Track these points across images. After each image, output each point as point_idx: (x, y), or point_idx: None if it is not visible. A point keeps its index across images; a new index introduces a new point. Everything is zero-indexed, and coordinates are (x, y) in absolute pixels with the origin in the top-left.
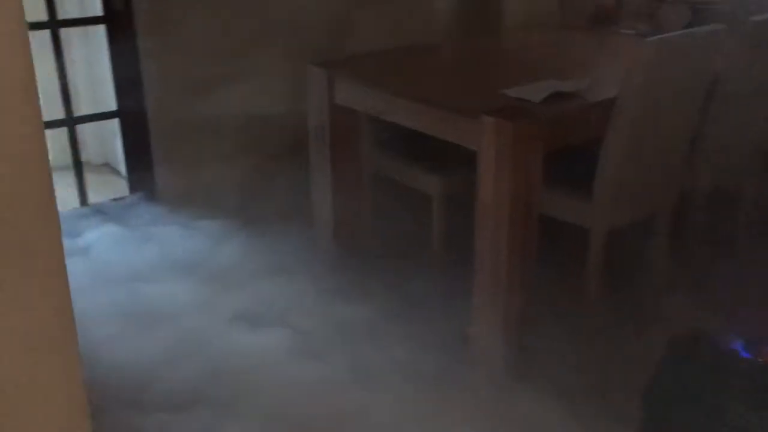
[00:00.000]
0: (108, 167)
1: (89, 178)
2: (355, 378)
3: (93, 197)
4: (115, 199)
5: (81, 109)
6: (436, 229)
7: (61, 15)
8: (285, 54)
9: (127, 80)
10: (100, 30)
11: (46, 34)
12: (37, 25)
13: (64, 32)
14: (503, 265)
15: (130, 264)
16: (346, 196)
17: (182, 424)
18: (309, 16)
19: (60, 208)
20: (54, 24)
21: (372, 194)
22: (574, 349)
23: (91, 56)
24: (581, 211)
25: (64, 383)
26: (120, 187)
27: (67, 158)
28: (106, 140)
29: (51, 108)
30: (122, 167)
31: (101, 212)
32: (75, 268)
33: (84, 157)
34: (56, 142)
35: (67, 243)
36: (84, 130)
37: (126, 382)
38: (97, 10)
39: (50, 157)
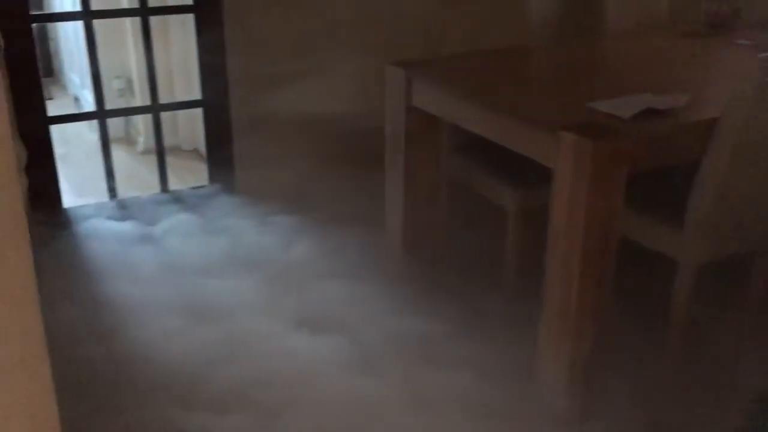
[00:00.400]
0: (196, 153)
1: (176, 162)
2: (411, 400)
3: (175, 183)
4: (194, 188)
5: (176, 95)
6: (510, 245)
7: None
8: (368, 52)
9: (212, 70)
10: None
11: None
12: (127, 12)
13: (162, 19)
14: (573, 298)
15: (199, 256)
16: (419, 203)
17: (225, 428)
18: (396, 13)
19: (141, 192)
20: (144, 11)
21: (446, 203)
22: (647, 396)
23: (188, 43)
24: (670, 241)
25: (35, 407)
26: (203, 174)
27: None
28: (197, 127)
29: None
30: None
31: (179, 200)
32: (145, 256)
33: (176, 141)
34: (149, 126)
35: (141, 229)
36: (178, 116)
37: (177, 378)
38: None
39: (142, 141)
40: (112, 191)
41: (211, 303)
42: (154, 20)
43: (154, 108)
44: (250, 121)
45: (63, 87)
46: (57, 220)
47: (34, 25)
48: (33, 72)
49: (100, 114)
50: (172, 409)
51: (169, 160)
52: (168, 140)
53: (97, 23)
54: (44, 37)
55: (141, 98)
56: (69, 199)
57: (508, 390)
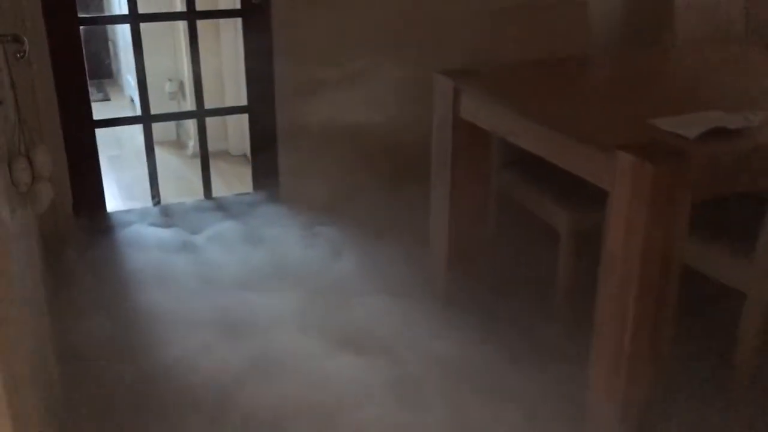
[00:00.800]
0: (245, 158)
1: (224, 167)
2: None
3: (222, 188)
4: (238, 194)
5: (226, 100)
6: (562, 268)
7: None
8: (416, 60)
9: (258, 76)
10: None
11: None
12: (175, 16)
13: (214, 23)
14: (628, 333)
15: (238, 267)
16: (465, 220)
17: None
18: (445, 20)
19: (186, 198)
20: (192, 15)
21: (495, 220)
22: None
23: (239, 47)
24: (738, 273)
25: None
26: (250, 180)
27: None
28: (246, 132)
29: (211, 99)
30: None
31: (223, 207)
32: (184, 266)
33: (224, 146)
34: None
35: (183, 237)
36: (227, 120)
37: (206, 397)
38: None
39: (192, 145)
40: (155, 197)
41: (248, 318)
42: (206, 24)
43: (200, 113)
44: (295, 128)
45: (121, 88)
46: (99, 225)
47: (81, 27)
48: (80, 75)
49: (145, 118)
50: (200, 428)
51: (218, 164)
52: (217, 145)
53: (152, 26)
54: (105, 38)
55: (192, 102)
56: (116, 202)
57: (558, 428)
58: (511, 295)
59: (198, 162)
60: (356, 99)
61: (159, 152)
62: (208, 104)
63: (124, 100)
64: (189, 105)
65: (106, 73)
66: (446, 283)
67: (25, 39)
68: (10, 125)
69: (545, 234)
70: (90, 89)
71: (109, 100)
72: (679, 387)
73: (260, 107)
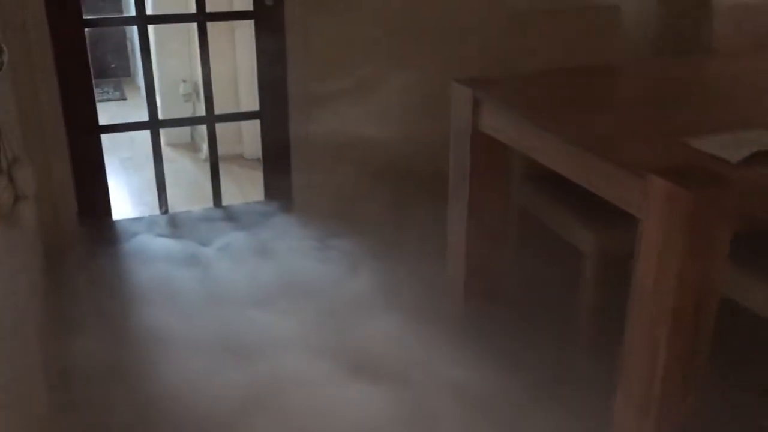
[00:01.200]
0: (259, 162)
1: (238, 171)
2: None
3: (234, 194)
4: (249, 203)
5: (241, 105)
6: (586, 292)
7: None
8: (437, 67)
9: (271, 80)
10: None
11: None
12: (184, 18)
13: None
14: (659, 372)
15: (247, 283)
16: (485, 236)
17: None
18: (466, 25)
19: (195, 205)
20: (201, 17)
21: (516, 237)
22: None
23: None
24: None
25: None
26: (262, 187)
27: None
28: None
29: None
30: None
31: (233, 217)
32: (192, 282)
33: (239, 150)
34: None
35: (190, 249)
36: (242, 124)
37: (210, 425)
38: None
39: (206, 148)
40: (163, 205)
41: (255, 339)
42: (221, 25)
43: (209, 119)
44: (309, 136)
45: (138, 87)
46: (104, 235)
47: (87, 30)
48: (85, 79)
49: (153, 124)
50: None
51: (231, 168)
52: (231, 148)
53: (166, 26)
54: (123, 37)
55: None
56: (124, 208)
57: None
58: (533, 318)
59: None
60: (372, 107)
61: (173, 154)
62: (223, 108)
63: (140, 99)
64: (203, 107)
65: (123, 71)
66: (463, 304)
67: (5, 49)
68: None
69: (569, 252)
70: (107, 88)
71: (125, 99)
72: (716, 428)
73: (273, 113)
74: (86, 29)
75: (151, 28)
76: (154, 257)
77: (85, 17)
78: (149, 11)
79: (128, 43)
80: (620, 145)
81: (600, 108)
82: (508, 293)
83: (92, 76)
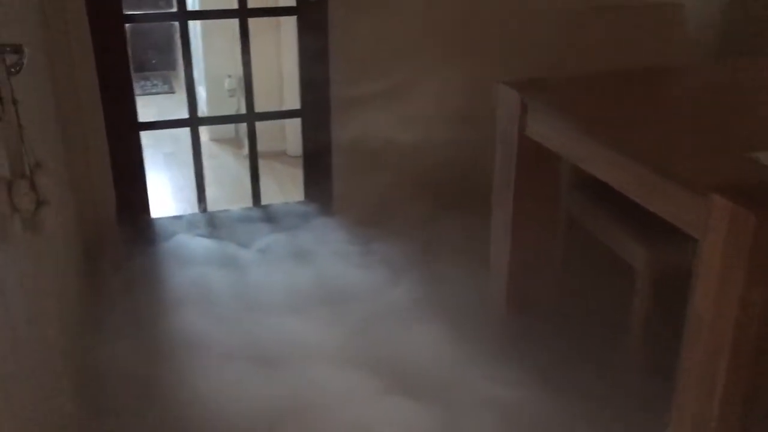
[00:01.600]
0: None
1: (281, 168)
2: None
3: (275, 192)
4: (289, 204)
5: (285, 102)
6: (637, 310)
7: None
8: (484, 67)
9: (313, 78)
10: None
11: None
12: (225, 14)
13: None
14: (715, 408)
15: (286, 288)
16: (530, 247)
17: None
18: (518, 23)
19: (235, 203)
20: (243, 13)
21: (563, 248)
22: None
23: None
24: None
25: None
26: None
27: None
28: None
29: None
30: None
31: (272, 218)
32: (228, 286)
33: (282, 146)
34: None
35: (227, 250)
36: (286, 120)
37: None
38: None
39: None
40: (202, 203)
41: (290, 348)
42: (267, 21)
43: (250, 117)
44: (351, 136)
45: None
46: (142, 233)
47: (127, 25)
48: (125, 76)
49: (192, 121)
50: None
51: (273, 165)
52: (274, 145)
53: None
54: (172, 31)
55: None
56: (164, 206)
57: None
58: (579, 335)
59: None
60: (415, 109)
61: (216, 150)
62: (266, 105)
63: None
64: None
65: (172, 65)
66: (506, 316)
67: (26, 50)
68: (13, 145)
69: (621, 266)
70: (156, 81)
71: (173, 92)
72: None
73: (314, 113)
74: (126, 25)
75: (198, 22)
76: (190, 258)
77: (125, 13)
78: (198, 6)
79: (177, 37)
80: (679, 158)
81: (657, 115)
82: (554, 307)
83: (132, 73)
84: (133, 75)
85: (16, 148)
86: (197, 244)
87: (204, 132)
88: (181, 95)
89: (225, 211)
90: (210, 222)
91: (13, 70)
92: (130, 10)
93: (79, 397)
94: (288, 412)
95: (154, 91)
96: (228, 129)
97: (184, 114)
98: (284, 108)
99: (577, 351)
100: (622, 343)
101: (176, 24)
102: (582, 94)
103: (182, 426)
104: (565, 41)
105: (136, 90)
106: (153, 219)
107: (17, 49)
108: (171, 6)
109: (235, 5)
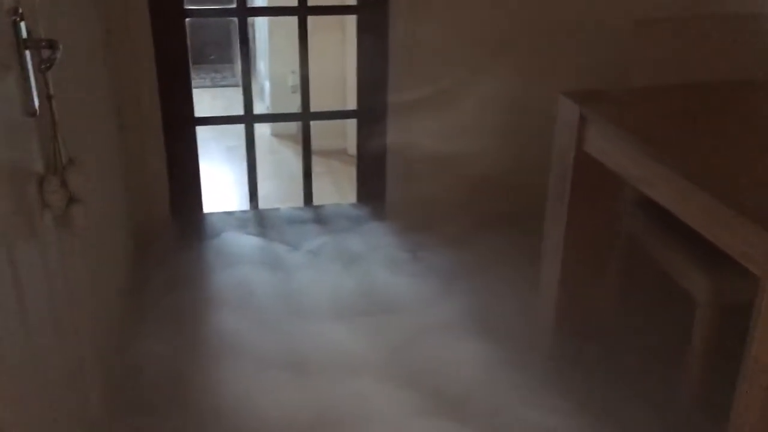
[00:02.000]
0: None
1: (337, 166)
2: None
3: (327, 192)
4: (341, 205)
5: (348, 101)
6: (697, 343)
7: None
8: (550, 77)
9: (371, 79)
10: None
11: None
12: (284, 11)
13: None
14: None
15: (331, 294)
16: (583, 267)
17: None
18: (588, 29)
19: (288, 200)
20: (302, 11)
21: (620, 270)
22: None
23: None
24: None
25: None
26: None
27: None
28: None
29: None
30: None
31: (323, 220)
32: (274, 289)
33: (342, 144)
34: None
35: (276, 251)
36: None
37: None
38: None
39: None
40: (253, 201)
41: (330, 358)
42: (330, 20)
43: (304, 116)
44: (407, 140)
45: (257, 73)
46: (193, 230)
47: (187, 20)
48: (183, 71)
49: (247, 118)
50: None
51: (332, 163)
52: (334, 143)
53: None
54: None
55: (313, 95)
56: (221, 198)
57: None
58: (633, 364)
59: (316, 160)
60: (473, 116)
61: (277, 145)
62: (328, 104)
63: (255, 86)
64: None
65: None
66: (555, 338)
67: (60, 46)
68: (46, 141)
69: (681, 294)
70: (225, 74)
71: (239, 86)
72: None
73: (371, 114)
74: (187, 20)
75: (265, 18)
76: (237, 257)
77: (186, 7)
78: (263, 3)
79: (250, 29)
80: (748, 187)
81: (731, 136)
82: (607, 331)
83: (191, 68)
84: (202, 67)
85: (50, 144)
86: (245, 242)
87: (266, 127)
88: None
89: (277, 209)
90: (260, 220)
91: (43, 66)
92: (191, 5)
93: (109, 394)
94: (322, 424)
95: (223, 83)
96: (290, 124)
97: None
98: (347, 107)
99: (627, 381)
100: (677, 377)
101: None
102: (648, 108)
103: (210, 429)
104: (638, 53)
105: (206, 82)
106: (205, 214)
107: (52, 44)
108: (233, 2)
109: (296, 3)
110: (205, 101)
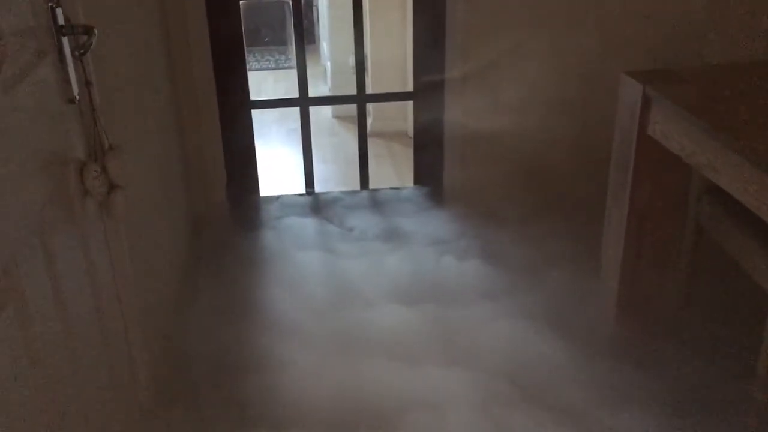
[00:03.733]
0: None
1: (397, 149)
2: None
3: (385, 174)
4: (397, 189)
5: (408, 83)
6: (766, 346)
7: None
8: (616, 55)
9: (427, 58)
10: None
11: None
12: None
13: None
14: None
15: (383, 280)
16: (646, 257)
17: None
18: (657, 4)
19: (343, 187)
20: None
21: (689, 261)
22: None
23: None
24: None
25: None
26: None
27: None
28: None
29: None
30: None
31: (378, 204)
32: (326, 274)
33: (402, 126)
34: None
35: (331, 235)
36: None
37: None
38: None
39: (370, 122)
40: (310, 185)
41: (381, 342)
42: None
43: (360, 98)
44: (464, 124)
45: (319, 56)
46: (249, 213)
47: (242, 2)
48: (238, 54)
49: (302, 101)
50: None
51: (392, 145)
52: (395, 125)
53: None
54: (309, 3)
55: (373, 78)
56: (278, 181)
57: None
58: (700, 364)
59: (374, 141)
60: (533, 98)
61: (338, 127)
62: (389, 85)
63: (319, 68)
64: (370, 80)
65: (308, 39)
66: (618, 331)
67: (96, 31)
68: (85, 127)
69: (754, 289)
70: (290, 55)
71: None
72: None
73: (427, 96)
74: (241, 2)
75: None
76: (292, 240)
77: None
78: None
79: (314, 11)
80: None
81: None
82: (673, 326)
83: (245, 51)
84: (268, 49)
85: (89, 130)
86: (300, 225)
87: (327, 109)
88: (313, 69)
89: (333, 193)
90: (315, 204)
91: (77, 53)
92: None
93: (160, 380)
94: (370, 411)
95: (287, 65)
96: (351, 106)
97: (314, 89)
98: (408, 89)
99: (698, 382)
100: (744, 379)
101: (311, 1)
102: (720, 89)
103: (254, 415)
104: (712, 26)
105: (270, 64)
106: (261, 198)
107: (87, 31)
108: None
109: None
110: (269, 83)
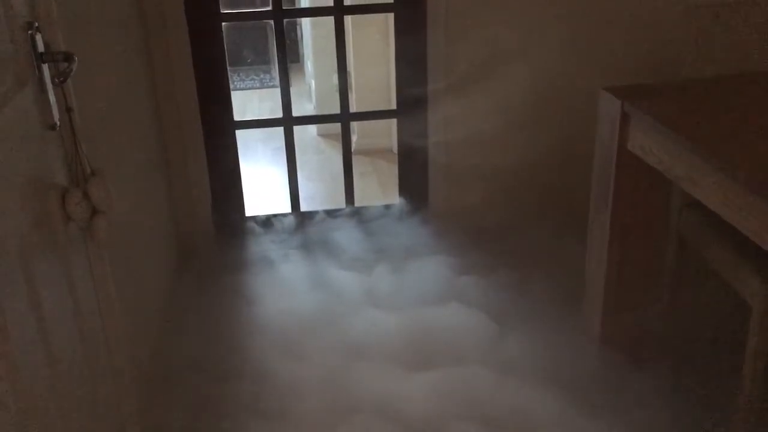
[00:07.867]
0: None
1: (382, 165)
2: None
3: (371, 192)
4: (382, 206)
5: (392, 100)
6: (750, 353)
7: None
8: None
9: (410, 78)
10: None
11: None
12: (320, 11)
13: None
14: None
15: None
16: (629, 272)
17: None
18: (636, 18)
19: (328, 205)
20: (339, 10)
21: (672, 272)
22: None
23: None
24: None
25: None
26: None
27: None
28: None
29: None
30: None
31: (363, 222)
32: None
33: (387, 143)
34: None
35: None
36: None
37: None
38: None
39: (355, 140)
40: (295, 204)
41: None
42: (374, 19)
43: (343, 117)
44: (447, 141)
45: (304, 74)
46: (234, 234)
47: (224, 24)
48: (221, 75)
49: (285, 121)
50: None
51: (377, 162)
52: (380, 142)
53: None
54: (293, 22)
55: (357, 96)
56: (263, 201)
57: None
58: (685, 374)
59: (359, 159)
60: (516, 115)
61: (323, 145)
62: (373, 103)
63: (304, 86)
64: (355, 98)
65: (292, 57)
66: (600, 354)
67: (76, 58)
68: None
69: (736, 299)
70: (274, 74)
71: (291, 85)
72: None
73: (410, 114)
74: (223, 23)
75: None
76: (276, 261)
77: (222, 11)
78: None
79: (297, 29)
80: None
81: None
82: (657, 340)
83: (228, 71)
84: (252, 68)
85: (71, 156)
86: (284, 245)
87: (312, 127)
88: (298, 87)
89: (318, 211)
90: (301, 223)
91: (56, 80)
92: (227, 8)
93: (143, 399)
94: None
95: (271, 84)
96: (336, 125)
97: (299, 107)
98: (392, 107)
99: (682, 393)
100: (732, 388)
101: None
102: (696, 103)
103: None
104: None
105: (255, 83)
106: (247, 217)
107: (67, 57)
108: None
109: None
110: (254, 103)
